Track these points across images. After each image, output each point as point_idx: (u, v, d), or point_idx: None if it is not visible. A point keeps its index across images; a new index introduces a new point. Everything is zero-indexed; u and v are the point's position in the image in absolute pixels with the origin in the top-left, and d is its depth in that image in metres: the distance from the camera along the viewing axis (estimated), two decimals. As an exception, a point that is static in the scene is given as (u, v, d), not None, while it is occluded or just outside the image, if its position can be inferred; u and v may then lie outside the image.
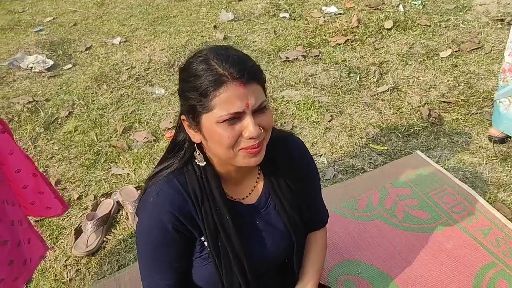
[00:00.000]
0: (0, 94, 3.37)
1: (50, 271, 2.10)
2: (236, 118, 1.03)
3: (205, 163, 1.17)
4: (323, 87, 3.06)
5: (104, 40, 4.09)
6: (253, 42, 3.74)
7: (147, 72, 3.40)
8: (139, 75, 3.38)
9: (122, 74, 3.41)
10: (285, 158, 1.29)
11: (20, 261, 1.49)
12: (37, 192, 1.60)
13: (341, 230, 2.15)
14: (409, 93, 2.97)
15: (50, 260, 2.15)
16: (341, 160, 2.54)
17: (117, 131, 2.89)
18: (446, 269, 1.92)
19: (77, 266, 2.12)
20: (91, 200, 2.43)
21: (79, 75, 3.56)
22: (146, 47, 3.78)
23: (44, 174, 2.57)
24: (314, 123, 2.79)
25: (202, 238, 1.21)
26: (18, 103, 3.21)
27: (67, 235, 2.27)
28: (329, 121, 2.79)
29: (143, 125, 2.93)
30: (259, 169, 1.29)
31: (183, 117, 1.13)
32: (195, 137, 1.13)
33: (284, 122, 2.81)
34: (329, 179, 2.43)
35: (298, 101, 2.96)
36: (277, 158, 1.27)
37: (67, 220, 2.34)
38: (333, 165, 2.51)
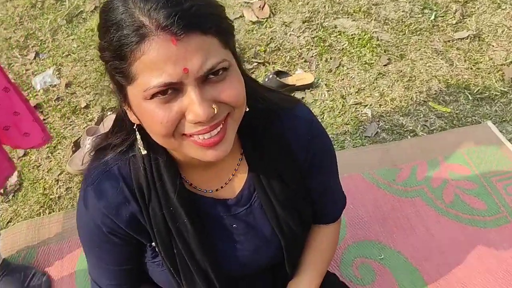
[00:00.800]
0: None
1: (41, 183, 1.91)
2: (172, 91, 0.68)
3: (146, 151, 0.82)
4: (386, 21, 2.55)
5: None
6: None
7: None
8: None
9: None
10: (281, 138, 0.91)
11: None
12: (11, 113, 1.32)
13: (370, 202, 1.80)
14: (493, 46, 2.41)
15: (43, 171, 1.95)
16: (389, 116, 2.12)
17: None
18: (493, 279, 1.56)
19: (69, 183, 1.91)
20: (98, 112, 2.17)
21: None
22: None
23: (57, 73, 2.33)
24: (366, 65, 2.33)
25: (153, 244, 0.90)
26: (44, -13, 2.90)
27: (66, 146, 2.05)
28: (384, 65, 2.33)
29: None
30: (241, 153, 0.92)
31: (112, 86, 0.77)
32: (131, 116, 0.78)
33: (330, 58, 2.37)
34: (368, 137, 2.04)
35: (352, 35, 2.48)
36: (268, 139, 0.90)
37: (69, 129, 2.11)
38: (378, 121, 2.10)
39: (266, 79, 2.19)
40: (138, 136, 0.81)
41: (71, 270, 1.63)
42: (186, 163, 0.87)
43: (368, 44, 2.42)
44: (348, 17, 2.57)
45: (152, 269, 0.96)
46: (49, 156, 2.00)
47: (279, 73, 2.24)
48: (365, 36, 2.45)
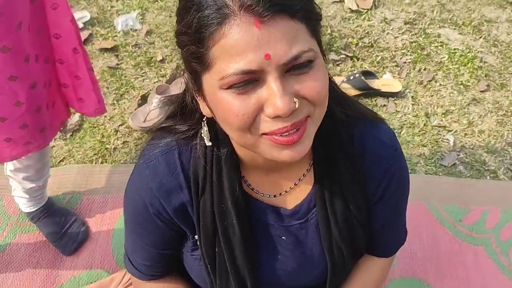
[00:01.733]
0: None
1: (100, 129, 1.89)
2: (250, 80, 0.61)
3: (210, 143, 0.76)
4: (496, 42, 2.30)
5: None
6: None
7: None
8: None
9: None
10: (357, 158, 0.82)
11: (37, 128, 1.24)
12: (73, 75, 1.27)
13: (429, 238, 1.66)
14: None
15: (105, 117, 1.93)
16: (473, 149, 1.92)
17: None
18: None
19: (127, 137, 1.88)
20: (172, 68, 2.11)
21: None
22: None
23: (140, 17, 2.27)
24: (461, 86, 2.12)
25: (196, 237, 0.85)
26: None
27: (132, 97, 2.01)
28: (481, 91, 2.11)
29: None
30: (310, 164, 0.83)
31: (186, 76, 0.71)
32: (204, 108, 0.72)
33: (425, 69, 2.17)
34: (444, 166, 1.86)
35: (454, 49, 2.25)
36: (342, 156, 0.81)
37: (140, 80, 2.07)
38: (459, 151, 1.91)
39: (351, 77, 2.04)
40: (205, 128, 0.76)
41: (110, 227, 1.61)
42: (250, 162, 0.81)
43: (470, 64, 2.19)
44: (455, 29, 2.33)
45: (188, 261, 0.91)
46: (114, 103, 1.97)
47: (365, 73, 2.07)
48: (468, 54, 2.22)
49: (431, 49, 2.25)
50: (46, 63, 1.21)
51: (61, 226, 1.57)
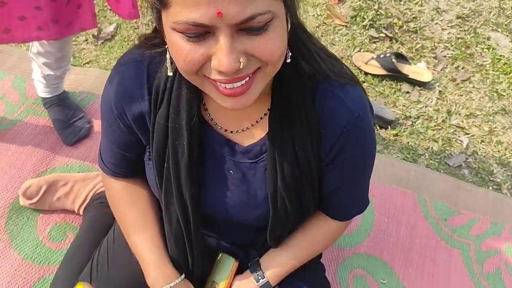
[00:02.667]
0: None
1: (129, 43, 1.98)
2: (201, 33, 0.61)
3: (171, 74, 0.76)
4: (549, 61, 2.18)
5: None
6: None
7: None
8: None
9: None
10: (314, 116, 0.81)
11: (50, 16, 1.30)
12: None
13: (407, 227, 1.66)
14: None
15: (137, 34, 2.01)
16: (484, 157, 1.87)
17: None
18: None
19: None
20: None
21: None
22: None
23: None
24: (495, 93, 2.04)
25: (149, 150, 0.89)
26: None
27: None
28: (515, 104, 2.02)
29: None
30: (269, 107, 0.83)
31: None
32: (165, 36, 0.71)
33: (463, 68, 2.10)
34: (448, 165, 1.83)
35: (500, 55, 2.16)
36: (300, 110, 0.80)
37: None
38: (469, 155, 1.86)
39: (382, 55, 2.01)
40: (168, 56, 0.74)
41: (111, 131, 1.72)
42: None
43: None
44: (507, 36, 2.22)
45: (146, 169, 0.96)
46: (149, 24, 2.05)
47: (398, 56, 2.03)
48: (514, 64, 2.12)
49: (476, 50, 2.17)
50: None
51: (69, 117, 1.69)
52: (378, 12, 2.22)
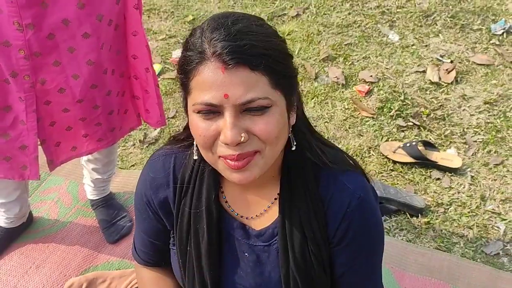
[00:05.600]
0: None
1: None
2: (213, 111, 0.78)
3: (197, 157, 0.91)
4: None
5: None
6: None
7: (398, 10, 2.89)
8: (387, 10, 2.90)
9: (373, 0, 2.98)
10: (319, 200, 0.90)
11: (109, 127, 1.53)
12: (143, 90, 1.54)
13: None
14: None
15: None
16: (524, 244, 1.80)
17: (318, 54, 2.62)
18: None
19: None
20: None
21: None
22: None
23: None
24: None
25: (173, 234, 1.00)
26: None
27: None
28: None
29: (346, 62, 2.58)
30: (279, 192, 0.93)
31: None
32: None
33: (495, 152, 2.09)
34: (485, 254, 1.77)
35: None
36: (306, 195, 0.90)
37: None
38: (507, 242, 1.80)
39: (408, 144, 2.06)
40: (195, 142, 0.88)
41: (150, 228, 1.85)
42: (229, 183, 0.94)
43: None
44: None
45: (172, 254, 1.05)
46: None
47: (425, 144, 2.08)
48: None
49: (507, 133, 2.17)
50: (120, 77, 1.49)
51: (113, 217, 1.85)
52: (405, 102, 2.31)
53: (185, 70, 0.79)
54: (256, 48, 0.74)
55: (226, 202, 0.97)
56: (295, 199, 0.90)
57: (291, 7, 2.98)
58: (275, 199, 0.94)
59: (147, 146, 2.19)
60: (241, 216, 0.97)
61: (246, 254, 0.97)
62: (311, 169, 0.91)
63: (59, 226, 1.87)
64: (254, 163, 0.81)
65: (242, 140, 0.76)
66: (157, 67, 2.56)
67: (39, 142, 1.46)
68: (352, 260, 0.96)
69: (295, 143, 0.87)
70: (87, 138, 1.52)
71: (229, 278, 0.98)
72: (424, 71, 2.47)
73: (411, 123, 2.23)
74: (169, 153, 0.97)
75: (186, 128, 0.95)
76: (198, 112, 0.78)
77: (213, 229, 0.94)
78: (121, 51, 1.47)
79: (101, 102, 1.45)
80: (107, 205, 1.88)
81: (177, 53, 2.63)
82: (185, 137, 0.96)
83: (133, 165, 2.12)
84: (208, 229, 0.94)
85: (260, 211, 0.96)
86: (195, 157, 0.91)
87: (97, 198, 1.87)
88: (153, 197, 0.98)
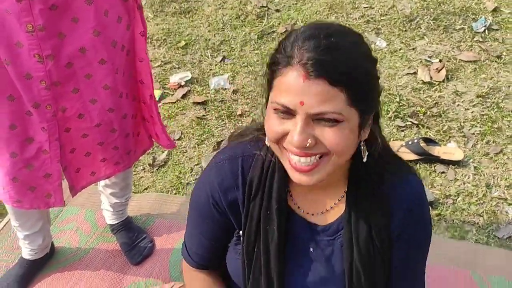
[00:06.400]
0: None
1: (180, 166, 2.23)
2: (287, 112, 0.83)
3: (266, 159, 0.97)
4: None
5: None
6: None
7: (382, 18, 3.01)
8: (372, 18, 3.03)
9: (357, 11, 3.10)
10: (383, 199, 0.97)
11: (125, 150, 1.58)
12: (149, 115, 1.61)
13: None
14: None
15: (186, 157, 2.27)
16: (533, 225, 1.87)
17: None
18: None
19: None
20: (248, 122, 2.41)
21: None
22: (400, -10, 3.32)
23: (230, 79, 2.65)
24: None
25: (241, 232, 1.04)
26: (252, 3, 3.27)
27: (210, 143, 2.34)
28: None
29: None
30: (345, 191, 1.00)
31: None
32: None
33: (493, 141, 2.18)
34: (498, 238, 1.84)
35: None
36: (372, 195, 0.97)
37: (219, 130, 2.41)
38: (517, 226, 1.87)
39: (410, 142, 2.14)
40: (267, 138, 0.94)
41: (171, 247, 1.89)
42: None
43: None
44: (530, 105, 2.32)
45: (230, 254, 1.09)
46: (195, 147, 2.31)
47: (427, 140, 2.16)
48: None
49: (502, 123, 2.26)
50: (133, 100, 1.55)
51: (133, 239, 1.88)
52: (401, 103, 2.40)
53: (272, 69, 0.85)
54: (340, 65, 0.79)
55: (293, 200, 1.02)
56: (361, 197, 0.97)
57: (279, 24, 3.08)
58: (342, 196, 1.00)
59: (157, 169, 2.23)
60: (307, 213, 1.02)
61: (311, 249, 1.02)
62: (377, 170, 0.96)
63: (81, 253, 1.89)
64: (317, 170, 0.86)
65: (308, 145, 0.82)
66: (157, 93, 2.62)
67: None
68: (406, 257, 1.02)
69: (367, 154, 0.92)
70: (105, 162, 1.57)
71: (295, 275, 1.03)
72: (415, 73, 2.57)
73: (409, 123, 2.32)
74: (234, 155, 1.01)
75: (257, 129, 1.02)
76: (275, 110, 0.84)
77: (283, 230, 0.99)
78: (132, 76, 1.53)
79: (118, 125, 1.50)
80: (127, 228, 1.91)
81: (174, 78, 2.71)
82: (256, 129, 1.02)
83: (145, 189, 2.16)
84: (279, 229, 0.98)
85: (326, 208, 1.01)
86: (267, 143, 0.94)
87: (117, 222, 1.90)
88: (222, 199, 1.01)
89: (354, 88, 0.81)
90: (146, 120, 1.63)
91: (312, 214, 1.02)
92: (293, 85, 0.80)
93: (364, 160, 0.91)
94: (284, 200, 0.99)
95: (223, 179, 1.00)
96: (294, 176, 0.88)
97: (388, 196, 0.97)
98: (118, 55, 1.42)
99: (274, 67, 0.84)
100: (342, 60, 0.80)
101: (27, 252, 1.77)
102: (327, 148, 0.84)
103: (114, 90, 1.44)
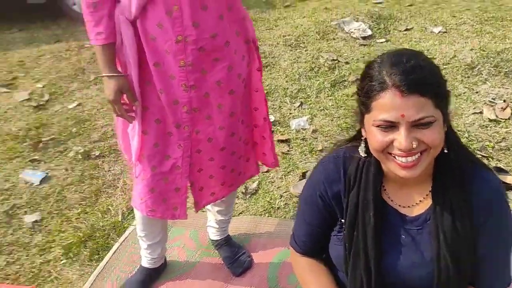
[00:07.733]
0: (317, 46, 3.88)
1: (270, 194, 2.50)
2: (390, 126, 1.05)
3: (365, 155, 1.20)
4: None
5: (426, 26, 4.09)
6: None
7: (444, 66, 3.28)
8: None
9: (420, 61, 3.39)
10: (465, 191, 1.15)
11: (238, 172, 1.86)
12: (261, 136, 1.89)
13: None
14: None
15: (274, 186, 2.54)
16: None
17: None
18: None
19: (288, 201, 2.44)
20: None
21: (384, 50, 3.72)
22: (459, 43, 3.60)
23: (309, 120, 2.96)
24: None
25: (343, 220, 1.25)
26: (323, 57, 3.65)
27: (296, 174, 2.60)
28: None
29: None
30: (432, 185, 1.20)
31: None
32: (364, 132, 1.18)
33: None
34: None
35: None
36: (455, 187, 1.15)
37: (303, 163, 2.68)
38: None
39: (483, 171, 2.32)
40: (363, 145, 1.19)
41: (267, 261, 2.12)
42: (390, 177, 1.20)
43: None
44: None
45: (332, 242, 1.29)
46: (282, 178, 2.59)
47: (498, 170, 2.33)
48: None
49: None
50: (247, 127, 1.84)
51: (235, 253, 2.13)
52: (469, 139, 2.61)
53: (367, 95, 1.08)
54: (425, 80, 1.03)
55: (387, 194, 1.23)
56: (446, 191, 1.15)
57: (349, 74, 3.42)
58: (430, 191, 1.18)
59: (249, 197, 2.51)
60: (399, 205, 1.22)
61: (403, 236, 1.20)
62: (458, 165, 1.15)
63: (190, 265, 2.15)
64: (419, 164, 1.08)
65: (413, 147, 1.05)
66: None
67: (188, 185, 1.79)
68: (489, 245, 1.16)
69: (446, 146, 1.12)
70: (224, 185, 1.83)
71: (389, 257, 1.20)
72: (480, 112, 2.78)
73: (479, 156, 2.50)
74: (336, 156, 1.26)
75: (354, 139, 1.27)
76: (378, 126, 1.07)
77: (379, 216, 1.19)
78: (248, 105, 1.84)
79: (236, 148, 1.78)
80: (228, 244, 2.16)
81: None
82: (353, 139, 1.27)
83: (241, 213, 2.43)
84: (375, 215, 1.18)
85: (416, 202, 1.20)
86: (363, 155, 1.19)
87: (220, 238, 2.17)
88: (328, 191, 1.24)
89: (437, 94, 1.05)
90: (257, 143, 1.92)
91: (404, 207, 1.21)
92: (392, 103, 1.03)
93: (445, 151, 1.10)
94: (379, 192, 1.19)
95: (329, 174, 1.24)
96: (401, 172, 1.09)
97: (469, 189, 1.13)
98: (241, 87, 1.71)
99: (368, 93, 1.07)
100: (426, 76, 1.04)
101: (146, 260, 2.05)
102: (426, 145, 1.06)
103: (236, 116, 1.72)
